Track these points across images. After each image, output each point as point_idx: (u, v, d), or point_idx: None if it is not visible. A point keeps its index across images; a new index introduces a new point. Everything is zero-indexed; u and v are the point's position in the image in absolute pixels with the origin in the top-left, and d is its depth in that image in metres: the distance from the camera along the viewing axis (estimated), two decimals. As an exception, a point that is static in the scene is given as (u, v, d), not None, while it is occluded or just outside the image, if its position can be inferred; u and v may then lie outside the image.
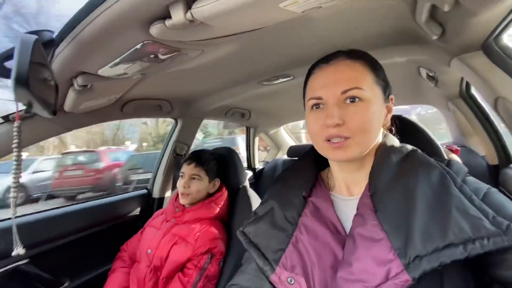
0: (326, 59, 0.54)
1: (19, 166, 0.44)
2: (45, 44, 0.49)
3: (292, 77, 1.19)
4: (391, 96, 0.55)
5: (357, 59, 0.52)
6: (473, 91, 1.26)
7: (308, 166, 0.63)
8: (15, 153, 0.44)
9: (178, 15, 0.44)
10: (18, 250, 0.52)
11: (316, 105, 0.52)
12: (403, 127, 0.66)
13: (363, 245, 0.44)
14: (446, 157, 0.65)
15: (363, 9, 0.67)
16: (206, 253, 0.96)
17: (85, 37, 0.51)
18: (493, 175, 1.33)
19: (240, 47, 0.79)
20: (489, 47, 0.70)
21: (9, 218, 1.03)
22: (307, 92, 0.56)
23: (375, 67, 0.53)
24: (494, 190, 0.46)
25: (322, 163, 0.64)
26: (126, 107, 1.17)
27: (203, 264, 0.94)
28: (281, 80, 1.21)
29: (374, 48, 0.93)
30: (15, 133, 0.45)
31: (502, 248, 0.38)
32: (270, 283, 0.50)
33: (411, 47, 0.89)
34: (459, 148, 1.46)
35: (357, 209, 0.49)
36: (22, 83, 0.38)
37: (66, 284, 1.09)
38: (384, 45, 0.90)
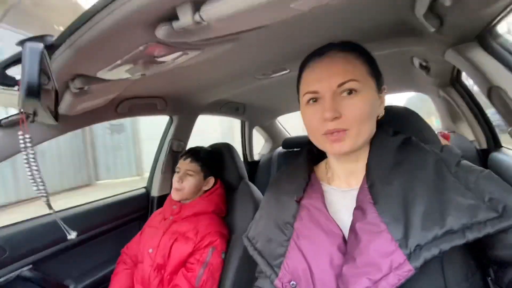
0: (319, 53, 0.53)
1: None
2: (46, 49, 0.47)
3: (288, 71, 1.18)
4: (384, 87, 0.55)
5: (350, 51, 0.52)
6: (464, 79, 1.30)
7: (301, 166, 0.62)
8: (26, 163, 0.43)
9: (186, 17, 0.43)
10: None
11: (313, 99, 0.52)
12: (397, 116, 0.67)
13: (365, 238, 0.44)
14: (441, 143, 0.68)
15: (362, 2, 0.67)
16: (207, 246, 0.97)
17: (86, 41, 0.50)
18: (481, 159, 1.39)
19: (238, 44, 0.78)
20: (484, 38, 0.71)
21: (13, 224, 1.01)
22: (302, 87, 0.55)
23: (369, 59, 0.53)
24: (487, 171, 0.46)
25: (318, 156, 0.65)
26: (120, 106, 1.15)
27: (205, 257, 0.95)
28: (277, 74, 1.20)
29: (368, 41, 0.93)
30: (22, 144, 0.43)
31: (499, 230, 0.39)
32: None
33: (406, 39, 0.89)
34: (450, 134, 1.51)
35: (356, 202, 0.49)
36: (33, 94, 0.37)
37: (71, 287, 1.09)
38: (379, 37, 0.90)
